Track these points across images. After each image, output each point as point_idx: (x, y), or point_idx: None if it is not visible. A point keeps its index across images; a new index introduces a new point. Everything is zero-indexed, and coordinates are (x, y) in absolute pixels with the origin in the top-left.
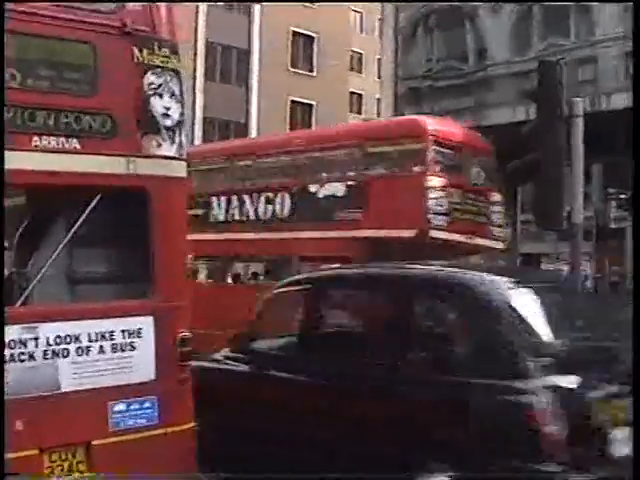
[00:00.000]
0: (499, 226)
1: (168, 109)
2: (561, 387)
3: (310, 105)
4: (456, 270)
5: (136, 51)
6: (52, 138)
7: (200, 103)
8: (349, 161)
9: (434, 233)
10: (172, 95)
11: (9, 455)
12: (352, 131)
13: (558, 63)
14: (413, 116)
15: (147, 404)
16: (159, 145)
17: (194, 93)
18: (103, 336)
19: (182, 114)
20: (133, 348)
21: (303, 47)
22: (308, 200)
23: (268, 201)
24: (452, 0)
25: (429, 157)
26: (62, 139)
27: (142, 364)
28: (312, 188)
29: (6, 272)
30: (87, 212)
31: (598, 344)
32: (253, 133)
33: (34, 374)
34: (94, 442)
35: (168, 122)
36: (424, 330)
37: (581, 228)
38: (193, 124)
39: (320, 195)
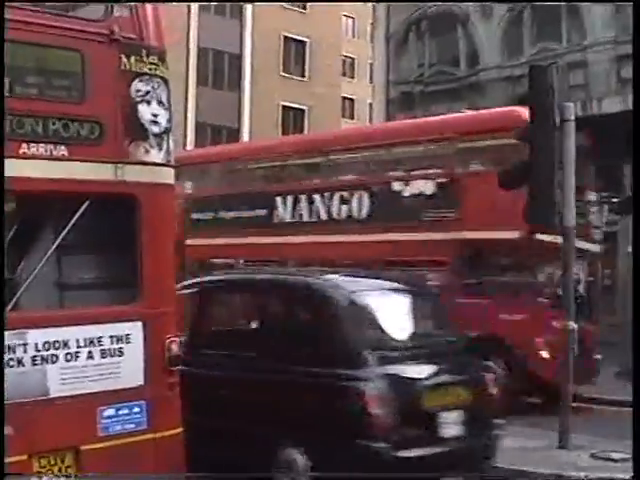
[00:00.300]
0: (597, 227)
1: (156, 116)
2: (394, 375)
3: (302, 110)
4: (308, 275)
5: (124, 58)
6: (40, 145)
7: (192, 108)
8: (439, 156)
9: (539, 235)
10: (160, 102)
11: None
12: (442, 124)
13: (550, 68)
14: (510, 107)
15: (136, 409)
16: (147, 152)
17: (186, 98)
18: (92, 342)
19: (170, 121)
20: (122, 354)
21: (295, 52)
22: (391, 199)
23: (343, 201)
24: (449, 0)
25: None
26: (50, 146)
27: (131, 369)
28: (395, 186)
29: None
30: (75, 218)
31: (436, 339)
32: (245, 138)
33: (23, 380)
34: (83, 447)
35: (156, 129)
36: (283, 327)
37: (573, 231)
38: (185, 129)
39: (405, 194)
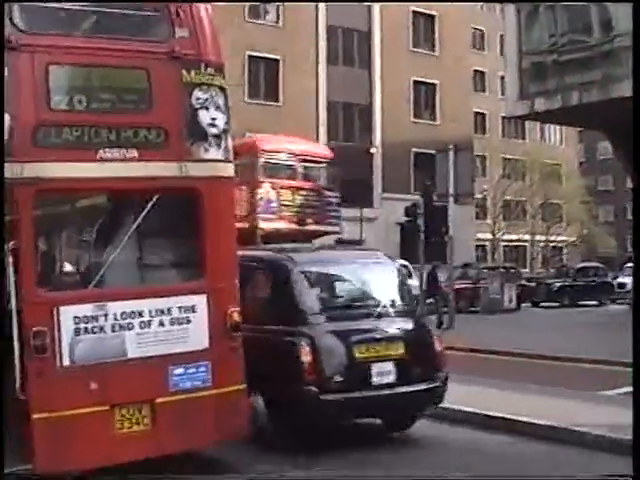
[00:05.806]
0: None
1: (214, 119)
2: (329, 331)
3: (434, 85)
4: (272, 251)
5: (184, 72)
6: (115, 150)
7: (323, 87)
8: None
9: None
10: (217, 107)
11: (86, 410)
12: None
13: None
14: None
15: (202, 368)
16: (207, 150)
17: (317, 77)
18: (162, 312)
19: (227, 123)
20: (189, 321)
21: (424, 27)
22: None
23: None
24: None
25: None
26: (123, 150)
27: (197, 335)
28: None
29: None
30: (148, 209)
31: (365, 303)
32: (377, 114)
33: (105, 344)
34: (157, 400)
35: (214, 130)
36: (253, 293)
37: None
38: (317, 108)
39: None
